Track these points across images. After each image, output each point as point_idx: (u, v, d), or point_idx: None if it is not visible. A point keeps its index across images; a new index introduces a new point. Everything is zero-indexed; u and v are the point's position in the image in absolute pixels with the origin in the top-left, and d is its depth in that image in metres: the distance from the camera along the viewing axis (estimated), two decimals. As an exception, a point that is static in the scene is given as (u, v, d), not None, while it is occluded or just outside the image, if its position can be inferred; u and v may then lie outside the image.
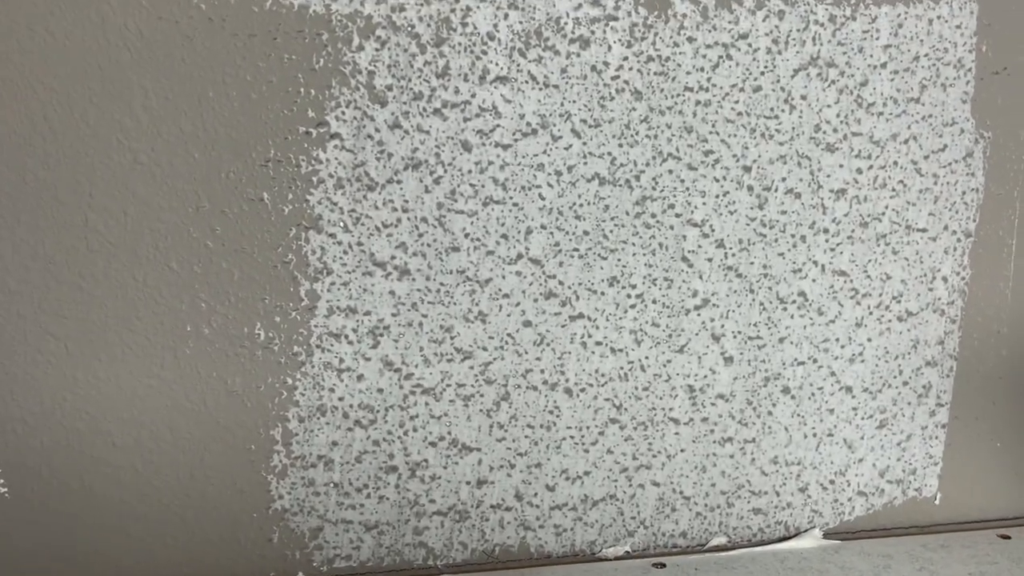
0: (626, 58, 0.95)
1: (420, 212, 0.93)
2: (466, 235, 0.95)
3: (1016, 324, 1.15)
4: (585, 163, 0.97)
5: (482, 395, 0.99)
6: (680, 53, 0.97)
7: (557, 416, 1.02)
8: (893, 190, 1.06)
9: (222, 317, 0.90)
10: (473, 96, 0.92)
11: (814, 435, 1.10)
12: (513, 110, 0.94)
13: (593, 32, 0.94)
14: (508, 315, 0.98)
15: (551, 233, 0.97)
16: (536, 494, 1.03)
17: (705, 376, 1.05)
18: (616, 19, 0.94)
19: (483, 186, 0.94)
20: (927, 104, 1.05)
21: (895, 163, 1.05)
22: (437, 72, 0.91)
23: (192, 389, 0.91)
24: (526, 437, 1.01)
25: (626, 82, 0.96)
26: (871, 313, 1.09)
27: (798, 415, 1.09)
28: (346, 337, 0.94)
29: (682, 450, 1.06)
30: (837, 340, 1.08)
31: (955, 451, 1.17)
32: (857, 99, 1.03)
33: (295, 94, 0.88)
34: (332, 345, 0.93)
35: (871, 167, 1.05)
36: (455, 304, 0.96)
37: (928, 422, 1.14)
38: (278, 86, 0.87)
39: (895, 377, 1.11)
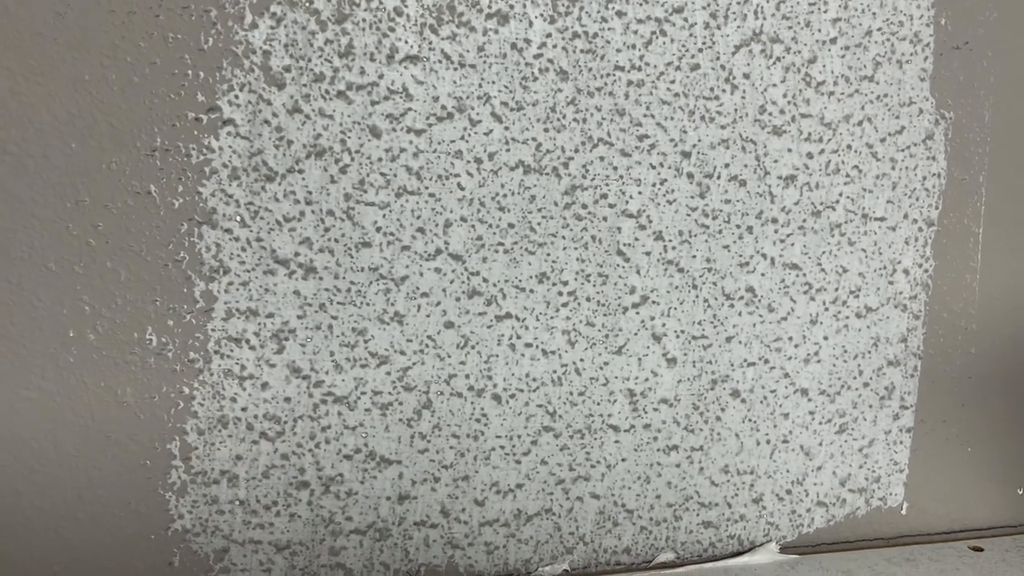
0: (549, 35, 0.88)
1: (325, 204, 0.86)
2: (378, 229, 0.87)
3: (985, 319, 1.08)
4: (507, 149, 0.89)
5: (401, 403, 0.91)
6: (609, 29, 0.90)
7: (485, 425, 0.94)
8: (847, 176, 0.99)
9: (108, 321, 0.83)
10: (381, 77, 0.85)
11: (768, 442, 1.03)
12: (426, 92, 0.86)
13: (512, 6, 0.87)
14: (428, 316, 0.90)
15: (472, 226, 0.90)
16: (464, 509, 0.95)
17: (646, 379, 0.98)
18: (537, -8, 0.87)
19: (395, 175, 0.87)
20: (882, 82, 0.99)
21: (848, 147, 0.99)
22: (340, 51, 0.84)
23: (78, 401, 0.84)
24: (451, 448, 0.94)
25: (550, 61, 0.89)
26: (827, 309, 1.02)
27: (749, 420, 1.02)
28: (247, 342, 0.86)
29: (623, 459, 0.99)
30: (790, 339, 1.01)
31: (922, 457, 1.11)
32: (805, 77, 0.96)
33: (182, 77, 0.81)
34: (232, 351, 0.86)
35: (822, 151, 0.98)
36: (368, 304, 0.88)
37: (892, 426, 1.08)
38: (163, 68, 0.80)
39: (855, 378, 1.05)
